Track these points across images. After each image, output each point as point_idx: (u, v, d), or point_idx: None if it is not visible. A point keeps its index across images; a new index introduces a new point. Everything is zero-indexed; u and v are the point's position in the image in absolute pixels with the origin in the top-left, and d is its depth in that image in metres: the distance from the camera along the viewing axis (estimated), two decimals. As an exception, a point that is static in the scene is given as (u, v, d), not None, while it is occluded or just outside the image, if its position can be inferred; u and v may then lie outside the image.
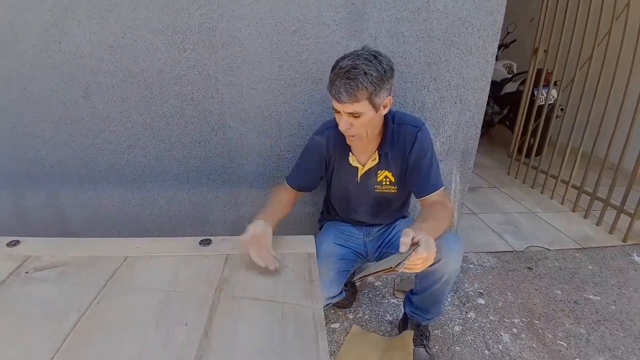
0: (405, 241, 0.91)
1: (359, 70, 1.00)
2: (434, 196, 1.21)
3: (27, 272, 1.00)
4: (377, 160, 1.24)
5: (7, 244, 1.11)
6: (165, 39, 1.38)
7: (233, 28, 1.38)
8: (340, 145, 1.25)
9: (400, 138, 1.21)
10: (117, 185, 1.59)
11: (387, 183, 1.27)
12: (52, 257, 1.07)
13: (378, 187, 1.28)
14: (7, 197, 1.59)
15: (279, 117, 1.52)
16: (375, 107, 1.07)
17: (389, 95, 1.10)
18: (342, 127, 1.10)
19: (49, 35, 1.36)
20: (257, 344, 0.79)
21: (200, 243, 1.15)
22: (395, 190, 1.28)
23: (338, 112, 1.10)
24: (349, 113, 1.06)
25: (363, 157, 1.26)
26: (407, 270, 0.93)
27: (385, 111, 1.13)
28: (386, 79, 1.05)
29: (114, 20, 1.35)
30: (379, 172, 1.26)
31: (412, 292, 1.37)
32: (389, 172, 1.26)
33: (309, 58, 1.43)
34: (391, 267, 0.87)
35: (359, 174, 1.27)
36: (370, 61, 1.02)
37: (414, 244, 0.91)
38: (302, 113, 1.52)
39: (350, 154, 1.26)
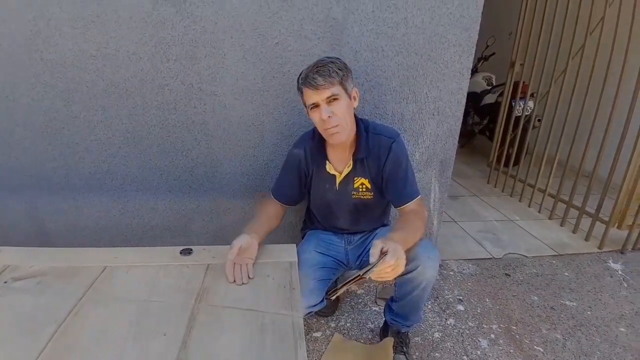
0: (374, 252, 0.96)
1: (325, 61, 1.13)
2: (410, 205, 1.24)
3: (5, 282, 0.99)
4: (351, 166, 1.27)
5: (-16, 254, 1.11)
6: (149, 50, 1.39)
7: (216, 40, 1.40)
8: (318, 155, 1.29)
9: (375, 148, 1.25)
10: (97, 195, 1.58)
11: (364, 189, 1.30)
12: (31, 267, 1.06)
13: (355, 193, 1.31)
14: (-16, 207, 1.57)
15: (261, 127, 1.54)
16: (348, 93, 1.16)
17: (354, 86, 1.20)
18: (323, 116, 1.13)
19: (31, 44, 1.36)
20: (236, 354, 0.80)
21: (180, 253, 1.15)
22: (372, 197, 1.31)
23: (316, 106, 1.14)
24: (328, 98, 1.12)
25: (340, 165, 1.29)
26: (380, 279, 0.96)
27: (355, 104, 1.21)
28: (348, 69, 1.17)
29: (97, 31, 1.35)
30: (355, 178, 1.29)
31: (392, 299, 1.39)
32: (365, 179, 1.29)
33: (291, 70, 1.46)
34: (359, 275, 0.90)
35: (337, 181, 1.30)
36: (331, 57, 1.17)
37: (383, 254, 0.94)
38: (284, 123, 1.54)
39: (327, 162, 1.29)
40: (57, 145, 1.49)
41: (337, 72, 1.12)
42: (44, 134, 1.48)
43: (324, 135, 1.21)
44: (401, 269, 0.97)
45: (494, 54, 3.91)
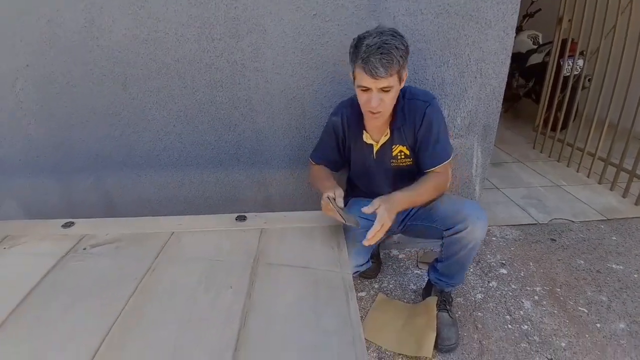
0: (366, 210, 1.14)
1: (390, 45, 1.07)
2: (437, 168, 1.28)
3: (84, 249, 1.13)
4: (389, 135, 1.29)
5: (62, 226, 1.26)
6: (194, 31, 1.46)
7: (256, 16, 1.44)
8: (355, 124, 1.32)
9: (411, 113, 1.26)
10: (157, 170, 1.71)
11: (402, 157, 1.33)
12: (106, 235, 1.20)
13: (394, 161, 1.34)
14: (56, 185, 1.74)
15: (302, 100, 1.59)
16: (401, 81, 1.16)
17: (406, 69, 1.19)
18: (373, 104, 1.13)
19: (87, 31, 1.46)
20: (294, 304, 0.90)
21: (236, 219, 1.26)
22: (411, 162, 1.34)
23: (367, 89, 1.13)
24: (382, 88, 1.11)
25: (377, 134, 1.32)
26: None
27: (402, 85, 1.20)
28: (408, 53, 1.14)
29: (147, 16, 1.44)
30: (393, 146, 1.32)
31: (437, 260, 1.43)
32: (403, 146, 1.31)
33: (329, 41, 1.48)
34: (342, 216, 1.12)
35: (375, 150, 1.33)
36: (395, 37, 1.10)
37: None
38: (324, 95, 1.58)
39: (364, 132, 1.32)
40: (118, 126, 1.62)
41: (398, 61, 1.08)
42: (105, 116, 1.61)
43: (364, 113, 1.24)
44: (385, 228, 1.11)
45: (539, 10, 3.68)
